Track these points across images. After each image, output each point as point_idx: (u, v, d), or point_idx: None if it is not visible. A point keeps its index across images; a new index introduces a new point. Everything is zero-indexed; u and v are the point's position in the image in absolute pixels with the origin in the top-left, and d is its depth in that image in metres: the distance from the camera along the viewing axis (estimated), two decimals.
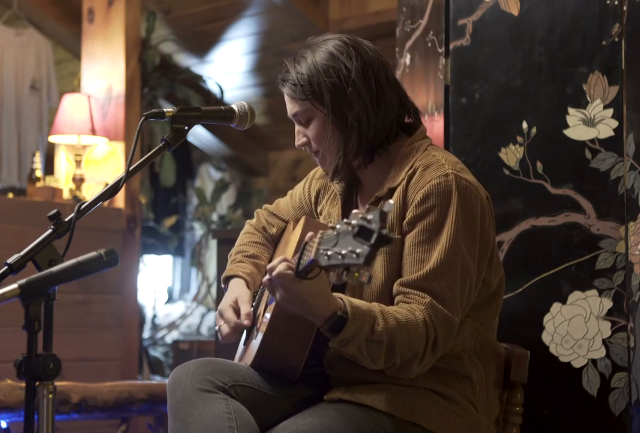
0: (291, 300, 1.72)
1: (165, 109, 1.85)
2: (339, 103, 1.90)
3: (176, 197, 6.59)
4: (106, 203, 3.58)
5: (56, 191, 4.40)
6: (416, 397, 1.86)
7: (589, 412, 2.27)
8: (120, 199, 4.61)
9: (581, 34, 2.33)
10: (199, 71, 6.10)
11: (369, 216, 1.42)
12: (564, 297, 2.31)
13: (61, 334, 2.82)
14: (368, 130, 1.92)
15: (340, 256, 1.44)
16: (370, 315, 1.75)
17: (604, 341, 2.26)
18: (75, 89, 4.99)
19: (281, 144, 6.79)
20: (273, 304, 1.89)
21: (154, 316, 6.29)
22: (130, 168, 1.79)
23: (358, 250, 1.41)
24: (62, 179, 4.65)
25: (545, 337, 2.33)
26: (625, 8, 2.27)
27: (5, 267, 1.62)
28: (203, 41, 5.94)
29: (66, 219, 1.70)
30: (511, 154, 2.41)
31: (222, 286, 2.13)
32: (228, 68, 6.13)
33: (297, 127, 2.00)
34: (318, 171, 2.17)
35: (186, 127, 1.86)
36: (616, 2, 2.28)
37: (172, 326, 6.22)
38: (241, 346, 2.12)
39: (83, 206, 1.73)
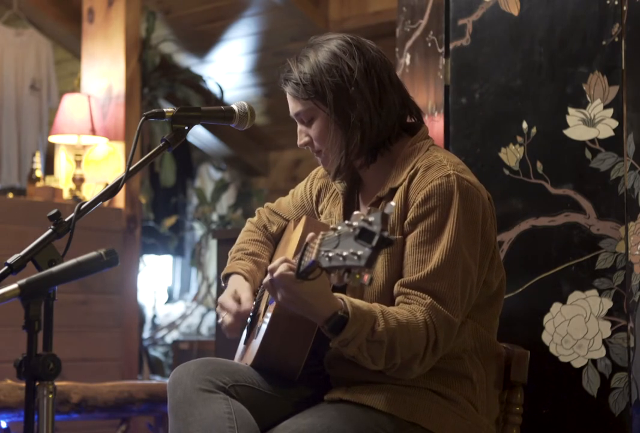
0: (292, 301, 1.72)
1: (165, 109, 1.85)
2: (342, 103, 1.90)
3: (176, 197, 6.59)
4: (106, 203, 3.58)
5: (56, 191, 4.39)
6: (416, 397, 1.86)
7: (589, 412, 2.27)
8: (120, 199, 4.61)
9: (581, 34, 2.33)
10: (199, 71, 6.10)
11: (371, 218, 1.42)
12: (564, 297, 2.31)
13: (61, 334, 2.83)
14: (370, 130, 1.92)
15: (341, 258, 1.44)
16: (371, 316, 1.75)
17: (604, 341, 2.26)
18: (75, 89, 4.99)
19: (281, 144, 6.78)
20: (273, 304, 1.89)
21: (154, 316, 6.29)
22: (130, 168, 1.79)
23: (359, 252, 1.41)
24: (62, 179, 4.65)
25: (545, 337, 2.33)
26: (625, 8, 2.27)
27: (5, 267, 1.62)
28: (203, 41, 5.94)
29: (66, 219, 1.70)
30: (511, 154, 2.41)
31: (222, 284, 2.13)
32: (228, 68, 6.12)
33: (300, 127, 2.00)
34: (320, 170, 2.17)
35: (186, 127, 1.86)
36: (616, 2, 2.28)
37: (172, 326, 6.22)
38: (241, 345, 2.12)
39: (83, 206, 1.73)
